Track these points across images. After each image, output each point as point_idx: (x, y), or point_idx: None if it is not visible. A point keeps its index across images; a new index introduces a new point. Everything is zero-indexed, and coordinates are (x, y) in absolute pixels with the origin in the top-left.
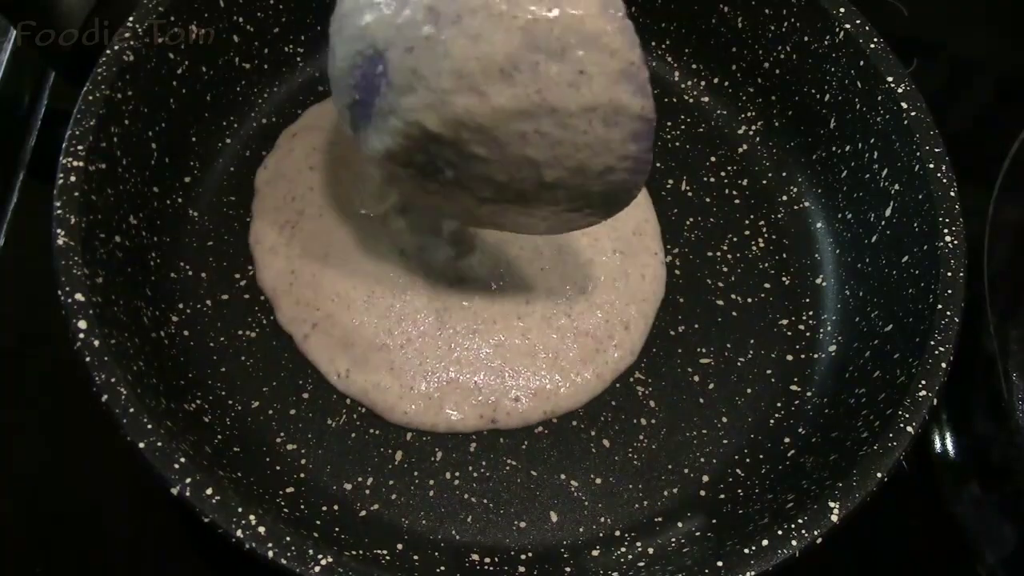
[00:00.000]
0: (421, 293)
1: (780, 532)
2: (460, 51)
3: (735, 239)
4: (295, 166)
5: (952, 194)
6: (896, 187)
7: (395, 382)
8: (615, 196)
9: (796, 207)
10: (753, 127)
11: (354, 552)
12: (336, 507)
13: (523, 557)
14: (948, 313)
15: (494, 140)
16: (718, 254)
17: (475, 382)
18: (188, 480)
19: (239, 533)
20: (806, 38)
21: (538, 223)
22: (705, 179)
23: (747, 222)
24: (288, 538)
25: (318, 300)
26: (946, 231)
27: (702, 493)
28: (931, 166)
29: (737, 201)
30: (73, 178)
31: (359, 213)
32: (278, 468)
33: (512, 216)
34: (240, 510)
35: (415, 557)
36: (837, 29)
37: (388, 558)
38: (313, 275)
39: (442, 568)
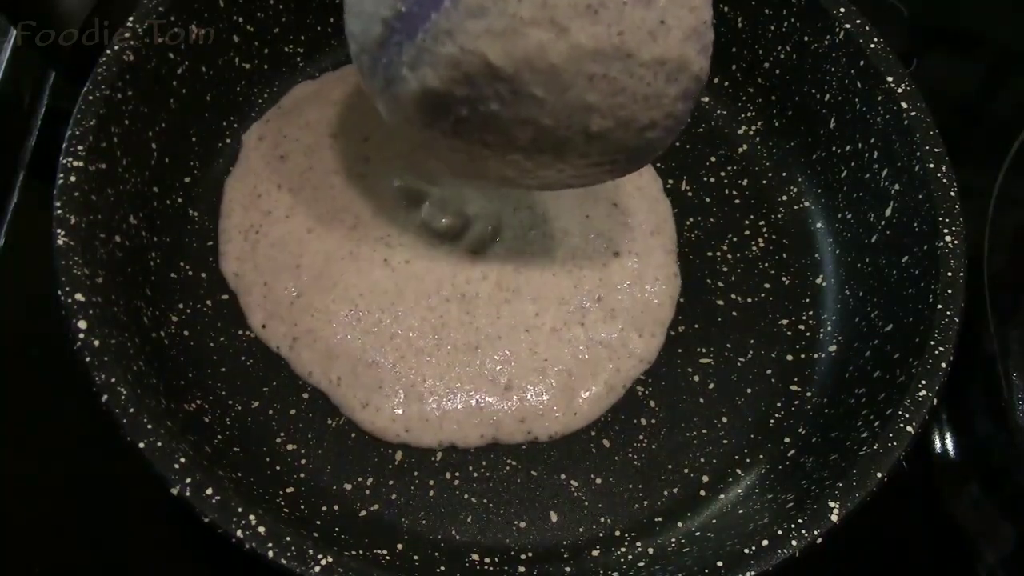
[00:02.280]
0: (412, 307)
1: (780, 532)
2: None
3: (735, 239)
4: (263, 158)
5: (952, 194)
6: (896, 187)
7: (386, 403)
8: (643, 153)
9: (796, 207)
10: (753, 127)
11: (354, 552)
12: (336, 507)
13: (523, 557)
14: (948, 313)
15: (558, 81)
16: (718, 254)
17: (477, 402)
18: (188, 480)
19: (239, 533)
20: (806, 38)
21: (551, 175)
22: (705, 179)
23: (747, 222)
24: (288, 538)
25: (294, 315)
26: (946, 231)
27: (702, 493)
28: (931, 166)
29: (737, 201)
30: (73, 178)
31: (338, 214)
32: (278, 468)
33: (527, 168)
34: (240, 510)
35: (415, 557)
36: (837, 29)
37: (388, 558)
38: (285, 288)
39: (442, 568)
